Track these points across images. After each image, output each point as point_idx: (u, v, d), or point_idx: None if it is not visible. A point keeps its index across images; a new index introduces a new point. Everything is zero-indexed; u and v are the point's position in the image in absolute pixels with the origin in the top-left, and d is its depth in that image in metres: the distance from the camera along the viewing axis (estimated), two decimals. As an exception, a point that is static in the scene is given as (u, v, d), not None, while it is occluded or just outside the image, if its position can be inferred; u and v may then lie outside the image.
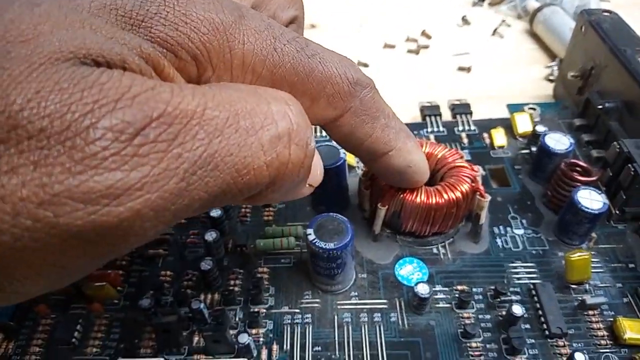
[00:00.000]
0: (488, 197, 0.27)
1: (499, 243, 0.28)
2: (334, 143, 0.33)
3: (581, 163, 0.29)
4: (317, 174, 0.20)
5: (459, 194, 0.26)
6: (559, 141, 0.30)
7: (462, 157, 0.28)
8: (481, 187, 0.27)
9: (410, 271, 0.27)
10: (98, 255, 0.12)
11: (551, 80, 0.43)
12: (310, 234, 0.24)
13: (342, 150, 0.28)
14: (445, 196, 0.26)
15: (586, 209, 0.26)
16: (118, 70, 0.12)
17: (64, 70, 0.11)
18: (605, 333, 0.24)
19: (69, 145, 0.11)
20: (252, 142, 0.14)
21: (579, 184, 0.28)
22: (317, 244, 0.24)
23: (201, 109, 0.13)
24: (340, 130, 0.20)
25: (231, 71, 0.16)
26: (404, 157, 0.23)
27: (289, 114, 0.15)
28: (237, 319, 0.25)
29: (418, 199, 0.26)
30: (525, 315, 0.25)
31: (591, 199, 0.26)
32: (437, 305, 0.25)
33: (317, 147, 0.28)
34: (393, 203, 0.26)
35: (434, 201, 0.26)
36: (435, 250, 0.28)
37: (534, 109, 0.36)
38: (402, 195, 0.26)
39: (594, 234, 0.28)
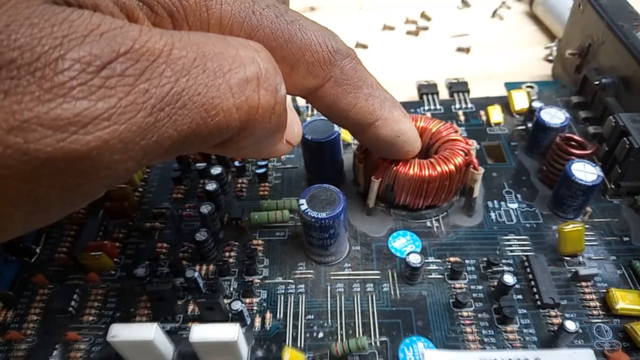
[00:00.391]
0: (482, 170, 0.27)
1: (493, 217, 0.28)
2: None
3: (576, 137, 0.29)
4: (294, 130, 0.20)
5: (452, 167, 0.26)
6: (554, 116, 0.30)
7: (456, 131, 0.28)
8: (475, 160, 0.27)
9: (404, 243, 0.27)
10: (70, 187, 0.12)
11: (550, 61, 0.42)
12: (302, 204, 0.24)
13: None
14: (439, 168, 0.26)
15: (580, 181, 0.26)
16: (89, 10, 0.12)
17: (35, 6, 0.11)
18: (598, 304, 0.24)
19: (39, 75, 0.11)
20: (220, 83, 0.14)
21: (573, 157, 0.28)
22: (309, 213, 0.24)
23: (168, 49, 0.13)
24: (323, 100, 0.21)
25: (208, 31, 0.16)
26: (392, 126, 0.23)
27: (257, 59, 0.15)
28: (231, 289, 0.26)
29: (411, 171, 0.26)
30: (518, 286, 0.25)
31: (585, 172, 0.26)
32: (430, 277, 0.26)
33: (311, 121, 0.29)
34: (386, 176, 0.27)
35: (426, 173, 0.26)
36: (428, 224, 0.28)
37: (531, 87, 0.36)
38: (395, 168, 0.26)
39: (588, 208, 0.28)
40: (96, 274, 0.26)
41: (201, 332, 0.21)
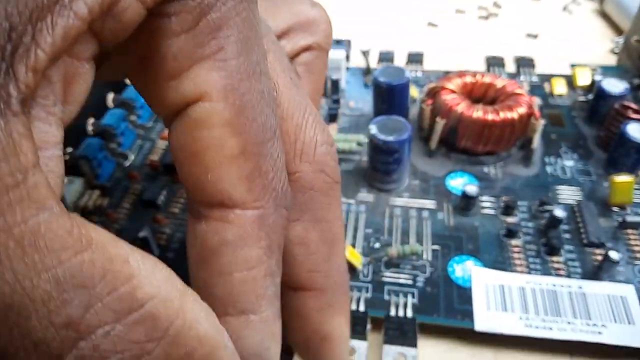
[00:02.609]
0: (542, 120, 0.29)
1: (549, 170, 0.30)
2: (399, 65, 0.35)
3: (634, 106, 0.30)
4: None
5: (515, 115, 0.28)
6: (615, 85, 0.31)
7: (520, 87, 0.30)
8: (537, 112, 0.29)
9: (461, 183, 0.29)
10: None
11: (616, 54, 0.44)
12: (372, 129, 0.27)
13: (409, 71, 0.31)
14: (502, 114, 0.28)
15: (634, 139, 0.27)
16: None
17: None
18: (644, 251, 0.26)
19: None
20: None
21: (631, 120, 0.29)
22: (378, 136, 0.26)
23: None
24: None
25: None
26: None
27: None
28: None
29: (475, 115, 0.28)
30: (566, 227, 0.26)
31: (641, 132, 0.28)
32: (483, 212, 0.27)
33: (385, 68, 0.31)
34: (451, 117, 0.29)
35: (490, 118, 0.28)
36: (486, 170, 0.30)
37: (595, 69, 0.38)
38: (460, 111, 0.28)
39: (641, 171, 0.29)
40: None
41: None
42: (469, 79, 0.31)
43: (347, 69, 0.39)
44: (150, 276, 0.10)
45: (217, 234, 0.13)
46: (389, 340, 0.22)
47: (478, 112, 0.28)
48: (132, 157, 0.31)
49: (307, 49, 0.22)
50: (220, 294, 0.13)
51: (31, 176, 0.09)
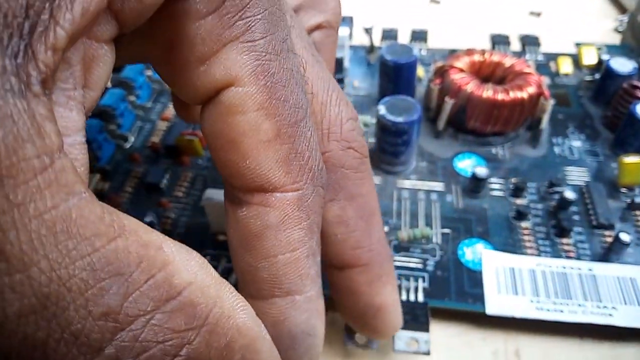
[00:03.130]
0: (551, 100, 0.28)
1: (556, 151, 0.30)
2: (404, 42, 0.35)
3: (644, 85, 0.30)
4: None
5: (525, 95, 0.28)
6: (623, 64, 0.31)
7: (529, 66, 0.30)
8: (546, 91, 0.28)
9: (469, 165, 0.29)
10: None
11: (620, 32, 0.43)
12: (381, 109, 0.26)
13: (415, 49, 0.30)
14: (512, 94, 0.28)
15: (645, 119, 0.27)
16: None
17: None
18: (652, 233, 0.25)
19: None
20: None
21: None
22: (386, 117, 0.26)
23: None
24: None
25: None
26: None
27: None
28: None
29: (484, 94, 0.28)
30: (575, 209, 0.26)
31: (651, 112, 0.27)
32: (492, 194, 0.27)
33: (392, 46, 0.30)
34: (460, 97, 0.28)
35: (500, 97, 0.28)
36: (494, 151, 0.30)
37: (600, 48, 0.37)
38: (469, 90, 0.28)
39: (650, 151, 0.29)
40: (187, 157, 0.29)
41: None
42: (477, 58, 0.30)
43: (350, 47, 0.38)
44: (185, 263, 0.10)
45: (259, 218, 0.13)
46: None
47: (488, 92, 0.28)
48: (132, 138, 0.31)
49: (317, 27, 0.21)
50: (266, 276, 0.13)
51: (57, 159, 0.09)
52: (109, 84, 0.32)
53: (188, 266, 0.10)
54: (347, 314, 0.18)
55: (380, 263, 0.17)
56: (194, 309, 0.10)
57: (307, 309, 0.14)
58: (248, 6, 0.12)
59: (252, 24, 0.12)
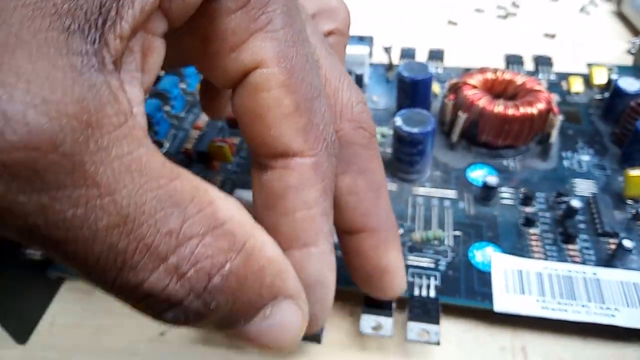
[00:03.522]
0: (560, 116, 0.30)
1: (566, 164, 0.31)
2: (421, 60, 0.37)
3: (652, 103, 0.32)
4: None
5: (534, 110, 0.29)
6: (631, 84, 0.33)
7: (540, 84, 0.31)
8: (555, 108, 0.30)
9: (481, 175, 0.30)
10: None
11: (633, 54, 0.45)
12: (397, 120, 0.28)
13: (431, 67, 0.32)
14: (522, 110, 0.29)
15: (651, 135, 0.28)
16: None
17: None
18: (657, 244, 0.27)
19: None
20: None
21: (647, 118, 0.30)
22: (402, 128, 0.28)
23: None
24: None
25: None
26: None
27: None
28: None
29: (496, 110, 0.30)
30: (582, 218, 0.28)
31: (656, 128, 0.29)
32: (502, 202, 0.29)
33: (409, 63, 0.33)
34: (472, 111, 0.30)
35: (510, 112, 0.29)
36: (505, 163, 0.31)
37: (611, 69, 0.39)
38: (481, 106, 0.30)
39: (656, 166, 0.30)
40: (217, 162, 0.31)
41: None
42: (489, 75, 0.32)
43: (370, 64, 0.40)
44: (226, 204, 0.13)
45: (281, 180, 0.15)
46: (413, 317, 0.23)
47: (499, 107, 0.30)
48: (167, 145, 0.33)
49: (330, 33, 0.25)
50: (286, 230, 0.15)
51: (130, 119, 0.11)
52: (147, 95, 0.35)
53: (228, 206, 0.13)
54: (357, 276, 0.20)
55: (387, 229, 0.19)
56: (234, 238, 0.12)
57: (321, 261, 0.16)
58: (269, 3, 0.14)
59: (274, 18, 0.14)
